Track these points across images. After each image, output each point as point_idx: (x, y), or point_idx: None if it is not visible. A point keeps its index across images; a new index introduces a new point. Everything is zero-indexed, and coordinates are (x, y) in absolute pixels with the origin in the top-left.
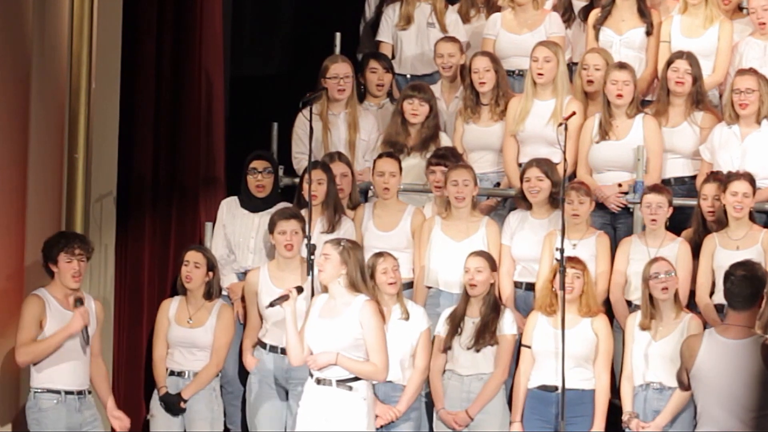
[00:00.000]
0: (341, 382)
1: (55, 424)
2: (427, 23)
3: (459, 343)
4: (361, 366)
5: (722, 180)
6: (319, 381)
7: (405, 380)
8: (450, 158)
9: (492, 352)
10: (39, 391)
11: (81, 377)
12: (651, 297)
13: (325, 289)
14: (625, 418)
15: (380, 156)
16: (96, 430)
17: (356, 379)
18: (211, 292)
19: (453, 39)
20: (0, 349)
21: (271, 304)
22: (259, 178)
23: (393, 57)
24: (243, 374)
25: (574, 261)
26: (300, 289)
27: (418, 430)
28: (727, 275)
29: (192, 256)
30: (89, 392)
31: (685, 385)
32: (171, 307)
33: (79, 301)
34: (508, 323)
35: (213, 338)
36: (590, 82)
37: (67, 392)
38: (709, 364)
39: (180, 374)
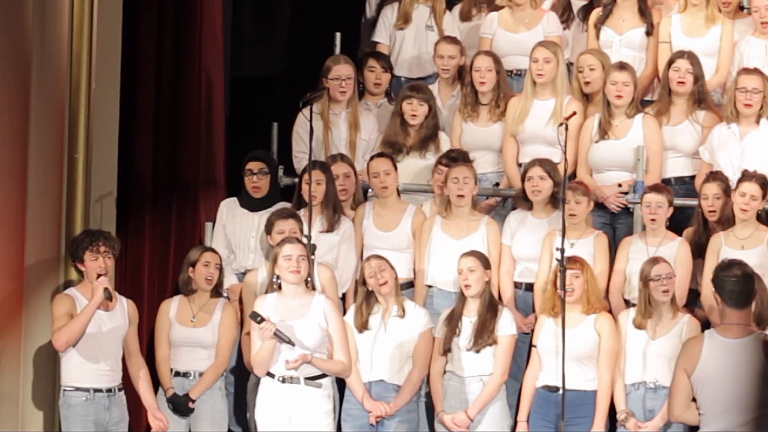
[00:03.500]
0: (310, 380)
1: (84, 421)
2: (426, 26)
3: (458, 344)
4: (332, 365)
5: (723, 180)
6: (284, 379)
7: (399, 380)
8: (459, 161)
9: (491, 353)
10: (69, 389)
11: (110, 375)
12: (649, 297)
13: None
14: (621, 416)
15: (372, 158)
16: (120, 431)
17: (323, 376)
18: (219, 290)
19: (453, 40)
20: (0, 350)
21: (291, 344)
22: (254, 180)
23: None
24: (241, 373)
25: (572, 260)
26: (255, 315)
27: (414, 430)
28: (725, 276)
29: (213, 258)
30: (120, 389)
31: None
32: (171, 307)
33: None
34: (506, 323)
35: (217, 337)
36: (587, 83)
37: (96, 390)
38: (712, 365)
39: (185, 375)
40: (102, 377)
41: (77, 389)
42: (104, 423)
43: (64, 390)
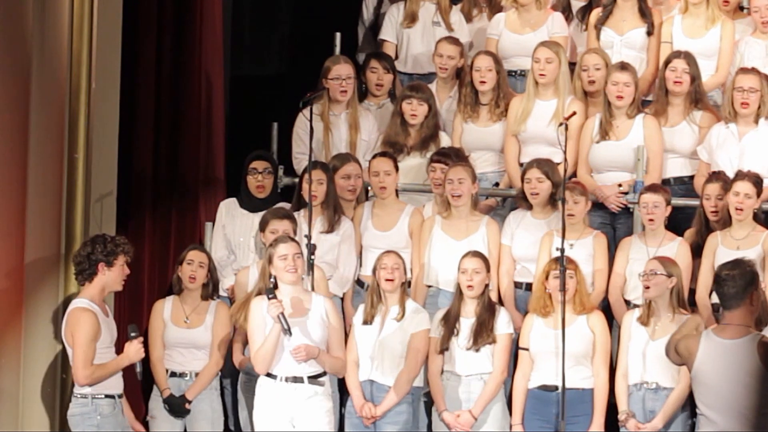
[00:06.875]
0: (313, 378)
1: (116, 429)
2: (433, 22)
3: (457, 343)
4: (335, 361)
5: (725, 180)
6: (287, 379)
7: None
8: (452, 157)
9: (490, 352)
10: (99, 396)
11: (121, 380)
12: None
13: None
14: (621, 417)
15: (374, 156)
16: None
17: (323, 374)
18: (209, 292)
19: (455, 41)
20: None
21: (288, 332)
22: (259, 179)
23: (396, 57)
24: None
25: (566, 261)
26: (270, 291)
27: (405, 431)
28: (715, 277)
29: (197, 256)
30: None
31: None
32: (165, 307)
33: (134, 330)
34: (504, 323)
35: (212, 337)
36: (592, 82)
37: (119, 396)
38: (708, 365)
39: (181, 375)
40: (119, 382)
41: (107, 396)
42: (123, 426)
43: (93, 397)
